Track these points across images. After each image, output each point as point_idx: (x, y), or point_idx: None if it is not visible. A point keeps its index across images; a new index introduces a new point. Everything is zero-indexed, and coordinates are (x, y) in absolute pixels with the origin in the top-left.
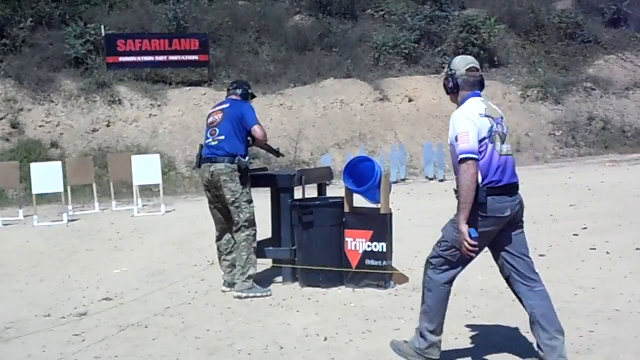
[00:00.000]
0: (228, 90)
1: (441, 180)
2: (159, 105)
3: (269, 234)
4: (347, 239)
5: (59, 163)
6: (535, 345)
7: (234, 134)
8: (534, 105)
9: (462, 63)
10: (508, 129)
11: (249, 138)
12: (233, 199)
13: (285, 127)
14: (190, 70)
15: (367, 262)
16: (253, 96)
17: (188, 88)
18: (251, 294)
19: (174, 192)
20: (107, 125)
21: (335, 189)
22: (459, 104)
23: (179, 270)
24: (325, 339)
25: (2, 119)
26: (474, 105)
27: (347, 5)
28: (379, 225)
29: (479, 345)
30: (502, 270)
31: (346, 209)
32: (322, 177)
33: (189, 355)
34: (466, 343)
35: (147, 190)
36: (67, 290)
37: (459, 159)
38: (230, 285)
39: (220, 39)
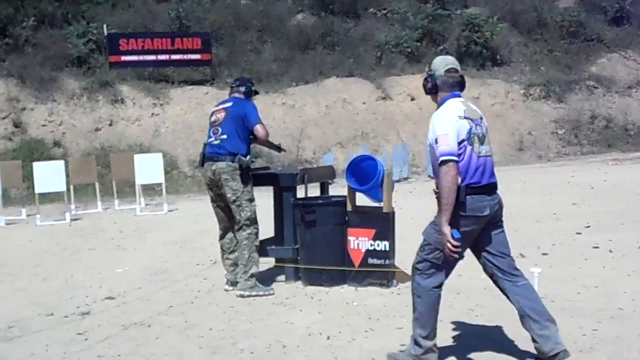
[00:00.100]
0: (231, 87)
1: None
2: (162, 105)
3: (271, 233)
4: (349, 237)
5: (62, 162)
6: (531, 340)
7: (236, 134)
8: (537, 104)
9: (442, 64)
10: (487, 128)
11: (251, 136)
12: (234, 198)
13: (287, 126)
14: (193, 69)
15: (370, 260)
16: (256, 93)
17: (190, 87)
18: (254, 293)
19: (177, 191)
20: (110, 125)
21: (338, 188)
22: (438, 105)
23: (182, 269)
24: (328, 338)
25: (4, 118)
26: (454, 107)
27: (349, 4)
28: (382, 224)
29: (482, 343)
30: (485, 269)
31: (349, 207)
32: (325, 176)
33: (191, 354)
34: (469, 342)
35: (150, 190)
36: (70, 289)
37: (439, 162)
38: (233, 284)
39: (223, 38)
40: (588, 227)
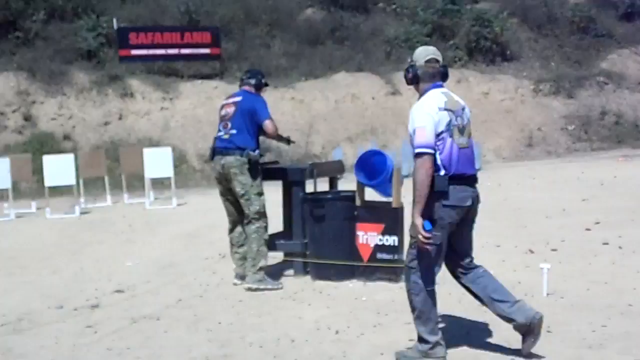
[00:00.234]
0: (242, 80)
1: None
2: (171, 99)
3: (280, 228)
4: (358, 232)
5: (72, 156)
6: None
7: (245, 128)
8: (547, 100)
9: (422, 54)
10: (470, 119)
11: (260, 131)
12: (243, 192)
13: (296, 121)
14: (202, 63)
15: (379, 255)
16: (266, 85)
17: (200, 81)
18: (262, 286)
19: (186, 185)
20: (119, 119)
21: (347, 183)
22: (420, 96)
23: (191, 263)
24: (337, 333)
25: (15, 111)
26: (434, 98)
27: None
28: (391, 219)
29: (490, 339)
30: (447, 264)
31: (358, 202)
32: (334, 170)
33: (200, 348)
34: (478, 337)
35: (159, 184)
36: (79, 282)
37: (414, 154)
38: (242, 278)
39: (232, 32)
40: (598, 223)
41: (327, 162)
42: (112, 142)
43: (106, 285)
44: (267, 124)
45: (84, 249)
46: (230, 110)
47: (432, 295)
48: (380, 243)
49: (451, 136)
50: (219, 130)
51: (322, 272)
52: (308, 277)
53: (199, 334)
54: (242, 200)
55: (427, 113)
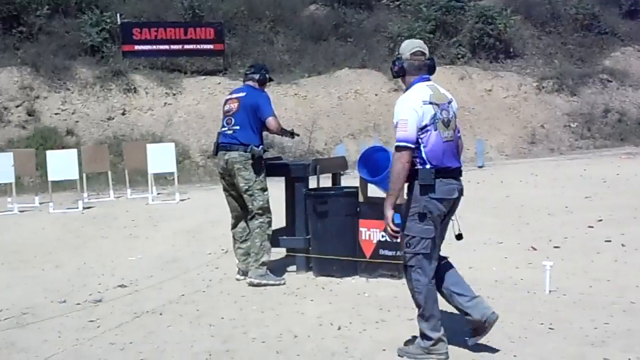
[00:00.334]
0: (246, 74)
1: None
2: (174, 94)
3: (283, 223)
4: (361, 228)
5: (75, 151)
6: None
7: (248, 124)
8: (550, 97)
9: (408, 47)
10: (456, 113)
11: (264, 127)
12: (246, 187)
13: (299, 117)
14: (206, 59)
15: (382, 252)
16: (270, 80)
17: (203, 77)
18: (264, 282)
19: (189, 181)
20: (123, 114)
21: (350, 179)
22: (406, 89)
23: (194, 258)
24: (339, 328)
25: (18, 106)
26: (419, 92)
27: None
28: None
29: (493, 335)
30: None
31: (361, 198)
32: (337, 166)
33: (203, 343)
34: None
35: (162, 179)
36: (82, 276)
37: (395, 146)
38: (245, 273)
39: (236, 28)
40: (600, 220)
41: (330, 158)
42: (116, 137)
43: (109, 280)
44: (270, 121)
45: (87, 243)
46: (234, 105)
47: (433, 291)
48: (383, 239)
49: (436, 129)
50: (223, 126)
51: (325, 268)
52: (311, 273)
53: (201, 329)
54: (245, 196)
55: (410, 107)
